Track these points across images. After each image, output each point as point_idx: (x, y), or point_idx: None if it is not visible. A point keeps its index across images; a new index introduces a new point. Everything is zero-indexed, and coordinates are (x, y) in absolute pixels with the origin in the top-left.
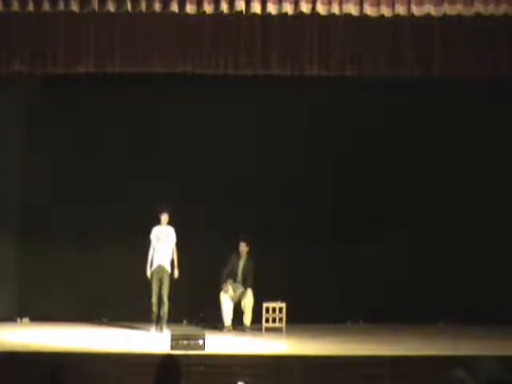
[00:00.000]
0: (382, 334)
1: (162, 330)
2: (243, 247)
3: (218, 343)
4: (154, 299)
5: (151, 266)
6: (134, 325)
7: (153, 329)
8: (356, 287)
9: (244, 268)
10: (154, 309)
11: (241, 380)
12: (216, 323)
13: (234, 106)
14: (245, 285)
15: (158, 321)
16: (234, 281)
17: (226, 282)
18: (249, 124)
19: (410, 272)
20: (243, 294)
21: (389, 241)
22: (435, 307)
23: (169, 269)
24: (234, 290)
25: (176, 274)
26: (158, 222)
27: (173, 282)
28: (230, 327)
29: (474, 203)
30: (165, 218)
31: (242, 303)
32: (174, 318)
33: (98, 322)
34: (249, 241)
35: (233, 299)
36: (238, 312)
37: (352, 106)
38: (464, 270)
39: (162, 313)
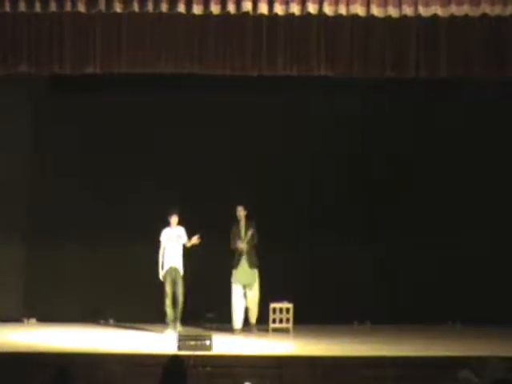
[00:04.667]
0: (389, 335)
1: (176, 329)
2: (240, 212)
3: (225, 344)
4: (168, 301)
5: (162, 267)
6: (141, 325)
7: (167, 331)
8: (363, 288)
9: (246, 233)
10: (169, 310)
11: (247, 381)
12: (224, 324)
13: (237, 106)
14: (251, 262)
15: (174, 322)
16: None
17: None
18: (250, 123)
19: (416, 272)
20: (253, 274)
21: (393, 241)
22: (441, 308)
23: (181, 270)
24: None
25: (195, 238)
26: (165, 223)
27: (186, 283)
28: (241, 330)
29: (475, 203)
30: (174, 219)
31: (248, 300)
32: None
33: (104, 322)
34: (246, 204)
35: (243, 246)
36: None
37: (356, 105)
38: (470, 269)
39: (176, 313)
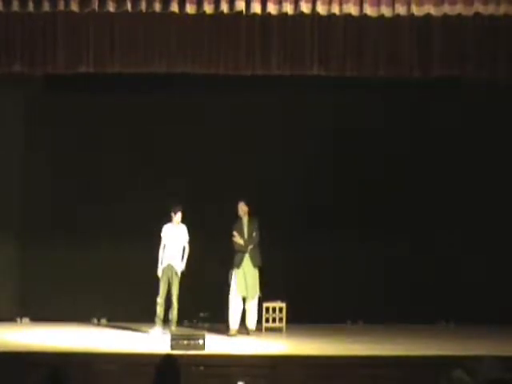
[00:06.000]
0: (382, 334)
1: (164, 328)
2: (242, 207)
3: (218, 343)
4: (160, 299)
5: (162, 264)
6: (135, 325)
7: (152, 330)
8: (355, 287)
9: (249, 230)
10: (159, 309)
11: (240, 380)
12: (218, 323)
13: (233, 106)
14: (254, 261)
15: (164, 322)
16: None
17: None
18: (249, 122)
19: (409, 271)
20: (255, 274)
21: (389, 240)
22: (435, 307)
23: (178, 268)
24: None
25: (183, 267)
26: (161, 223)
27: (181, 283)
28: (236, 332)
29: (474, 203)
30: (178, 216)
31: (247, 303)
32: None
33: (97, 322)
34: (247, 200)
35: (242, 246)
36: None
37: (352, 105)
38: (464, 269)
39: (170, 315)
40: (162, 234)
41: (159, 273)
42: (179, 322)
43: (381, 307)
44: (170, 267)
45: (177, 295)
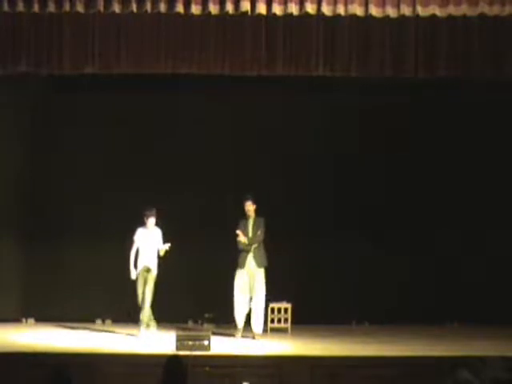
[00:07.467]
0: (387, 335)
1: (150, 329)
2: (249, 206)
3: (224, 344)
4: (140, 301)
5: (135, 267)
6: (134, 326)
7: (140, 332)
8: (361, 288)
9: (253, 229)
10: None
11: (246, 380)
12: (223, 324)
13: (234, 106)
14: (258, 261)
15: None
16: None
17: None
18: (249, 124)
19: (414, 272)
20: (259, 274)
21: (392, 241)
22: (440, 308)
23: (154, 270)
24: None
25: (166, 247)
26: (166, 223)
27: (158, 282)
28: (243, 331)
29: (475, 203)
30: (152, 220)
31: (253, 304)
32: (178, 319)
33: (102, 323)
34: (254, 198)
35: (245, 245)
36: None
37: (353, 106)
38: (466, 269)
39: (143, 315)
40: (134, 238)
41: (133, 276)
42: (186, 323)
43: (386, 308)
44: (146, 269)
45: (151, 296)
